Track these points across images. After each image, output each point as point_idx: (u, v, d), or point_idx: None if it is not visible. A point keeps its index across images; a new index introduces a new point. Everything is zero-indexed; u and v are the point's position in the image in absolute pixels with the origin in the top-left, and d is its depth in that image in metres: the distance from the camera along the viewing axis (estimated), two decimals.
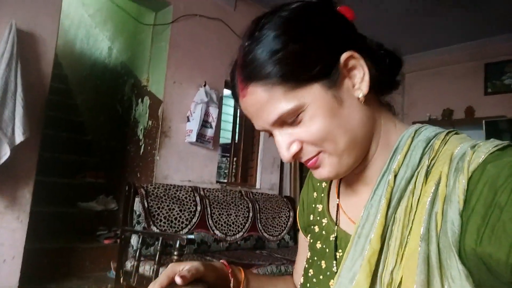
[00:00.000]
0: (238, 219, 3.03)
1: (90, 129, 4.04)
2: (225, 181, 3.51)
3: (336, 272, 0.55)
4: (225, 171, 3.73)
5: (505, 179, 0.40)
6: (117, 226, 3.03)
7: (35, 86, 2.14)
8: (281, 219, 3.36)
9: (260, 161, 3.65)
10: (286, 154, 0.52)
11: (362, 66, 0.50)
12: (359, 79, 0.50)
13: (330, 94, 0.49)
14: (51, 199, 3.01)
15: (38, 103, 2.18)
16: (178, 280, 0.54)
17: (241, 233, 3.02)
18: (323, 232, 0.63)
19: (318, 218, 0.65)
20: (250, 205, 3.17)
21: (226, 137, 3.60)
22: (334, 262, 0.58)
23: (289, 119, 0.49)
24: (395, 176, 0.50)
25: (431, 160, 0.49)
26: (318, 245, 0.63)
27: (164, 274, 0.57)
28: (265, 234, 3.20)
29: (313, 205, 0.68)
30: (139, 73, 3.26)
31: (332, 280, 0.57)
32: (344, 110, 0.49)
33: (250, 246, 3.09)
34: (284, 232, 3.34)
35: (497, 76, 3.94)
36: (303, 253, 0.73)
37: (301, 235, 0.75)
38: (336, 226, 0.60)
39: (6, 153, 1.87)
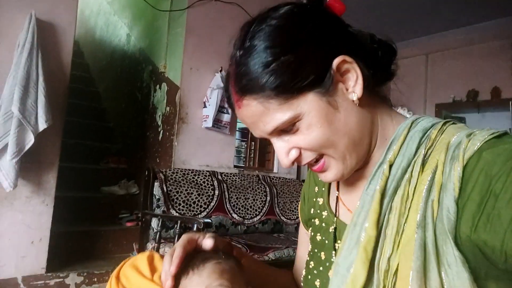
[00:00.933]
0: (256, 203, 3.07)
1: (112, 116, 4.14)
2: (243, 165, 3.54)
3: None
4: (243, 155, 3.76)
5: (500, 166, 0.41)
6: (138, 209, 3.13)
7: (56, 74, 2.21)
8: (298, 204, 3.37)
9: None
10: (285, 160, 0.53)
11: (354, 69, 0.50)
12: (353, 82, 0.50)
13: (325, 100, 0.49)
14: (75, 184, 3.13)
15: (60, 92, 2.25)
16: (209, 242, 0.58)
17: (258, 217, 3.06)
18: (323, 224, 0.64)
19: (319, 211, 0.67)
20: (267, 189, 3.20)
21: (242, 126, 3.62)
22: (333, 252, 0.59)
23: (286, 128, 0.50)
24: (391, 166, 0.50)
25: (428, 150, 0.49)
26: (318, 237, 0.65)
27: (184, 239, 0.59)
28: (282, 218, 3.23)
29: (314, 199, 0.70)
30: (157, 60, 3.29)
31: (331, 271, 0.58)
32: (340, 114, 0.50)
33: (267, 230, 3.13)
34: None
35: None
36: (303, 248, 0.74)
37: (301, 229, 0.76)
38: (335, 218, 0.61)
39: (31, 140, 1.95)
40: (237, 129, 3.38)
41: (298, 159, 0.53)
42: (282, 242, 2.74)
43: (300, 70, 0.47)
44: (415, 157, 0.49)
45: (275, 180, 3.38)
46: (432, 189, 0.45)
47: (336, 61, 0.49)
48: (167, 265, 0.56)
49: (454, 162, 0.44)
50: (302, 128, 0.50)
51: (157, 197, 2.56)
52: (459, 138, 0.47)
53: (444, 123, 0.52)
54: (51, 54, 2.17)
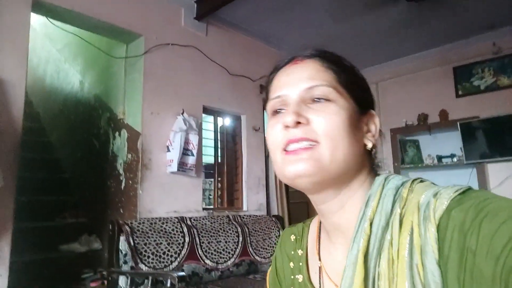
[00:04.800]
0: (228, 245, 2.96)
1: (66, 167, 3.91)
2: (211, 206, 3.44)
3: None
4: (211, 195, 3.66)
5: (470, 222, 0.41)
6: (102, 266, 2.91)
7: (7, 132, 2.05)
8: (271, 240, 3.32)
9: (245, 182, 3.61)
10: (293, 116, 0.53)
11: (376, 124, 0.60)
12: (373, 131, 0.59)
13: (355, 115, 0.56)
14: (31, 246, 2.86)
15: (11, 149, 2.09)
16: None
17: (232, 259, 2.95)
18: None
19: None
20: (239, 229, 3.12)
21: (208, 162, 3.55)
22: None
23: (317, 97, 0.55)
24: (371, 223, 0.50)
25: (402, 209, 0.50)
26: None
27: None
28: (256, 257, 3.14)
29: (292, 277, 0.66)
30: (114, 106, 3.19)
31: None
32: (357, 133, 0.55)
33: (242, 272, 3.02)
34: None
35: (466, 78, 4.07)
36: None
37: None
38: None
39: None
40: (203, 169, 3.30)
41: (299, 127, 0.53)
42: (259, 284, 2.64)
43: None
44: (392, 217, 0.49)
45: (246, 218, 3.31)
46: (413, 252, 0.45)
47: (372, 112, 0.60)
48: None
49: (427, 223, 0.45)
50: (328, 108, 0.54)
51: (123, 252, 2.40)
52: (427, 198, 0.48)
53: (412, 181, 0.53)
54: (1, 111, 2.02)
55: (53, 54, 4.47)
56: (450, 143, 4.16)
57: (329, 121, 0.52)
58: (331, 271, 0.59)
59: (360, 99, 0.57)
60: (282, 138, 0.53)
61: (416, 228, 0.46)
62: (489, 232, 0.39)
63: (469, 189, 0.47)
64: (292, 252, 0.67)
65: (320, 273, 0.60)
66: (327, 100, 0.53)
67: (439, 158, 4.21)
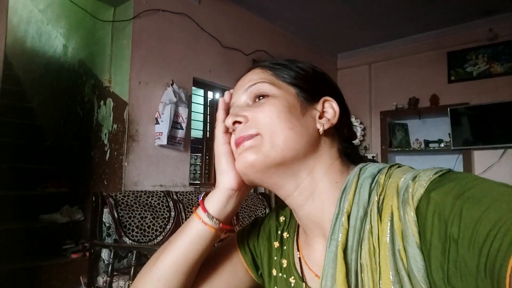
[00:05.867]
0: None
1: (49, 134, 3.77)
2: (199, 182, 3.39)
3: None
4: (198, 171, 3.60)
5: (451, 208, 0.40)
6: (84, 238, 2.86)
7: None
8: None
9: None
10: (229, 118, 0.57)
11: (334, 108, 0.58)
12: (330, 115, 0.57)
13: (300, 101, 0.57)
14: (10, 215, 2.77)
15: None
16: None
17: None
18: None
19: (285, 276, 0.62)
20: None
21: (196, 136, 3.47)
22: None
23: (256, 96, 0.58)
24: (348, 216, 0.49)
25: (380, 196, 0.49)
26: None
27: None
28: None
29: (275, 258, 0.65)
30: (100, 73, 3.04)
31: None
32: (302, 118, 0.55)
33: None
34: None
35: (459, 64, 4.05)
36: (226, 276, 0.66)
37: (237, 256, 0.68)
38: (304, 284, 0.59)
39: None
40: (191, 143, 3.22)
41: (238, 127, 0.56)
42: None
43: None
44: (370, 205, 0.48)
45: None
46: (394, 238, 0.44)
47: (325, 97, 0.59)
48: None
49: (405, 207, 0.44)
50: (263, 102, 0.56)
51: (107, 224, 2.34)
52: (406, 181, 0.47)
53: (390, 167, 0.52)
54: None
55: (35, 15, 4.22)
56: (439, 128, 4.18)
57: (265, 112, 0.54)
58: (310, 261, 0.59)
59: (307, 89, 0.58)
60: (233, 142, 0.58)
61: (396, 212, 0.45)
62: (471, 221, 0.38)
63: (449, 171, 0.46)
64: (279, 232, 0.67)
65: (300, 262, 0.60)
66: (267, 95, 0.56)
67: (427, 143, 4.24)
